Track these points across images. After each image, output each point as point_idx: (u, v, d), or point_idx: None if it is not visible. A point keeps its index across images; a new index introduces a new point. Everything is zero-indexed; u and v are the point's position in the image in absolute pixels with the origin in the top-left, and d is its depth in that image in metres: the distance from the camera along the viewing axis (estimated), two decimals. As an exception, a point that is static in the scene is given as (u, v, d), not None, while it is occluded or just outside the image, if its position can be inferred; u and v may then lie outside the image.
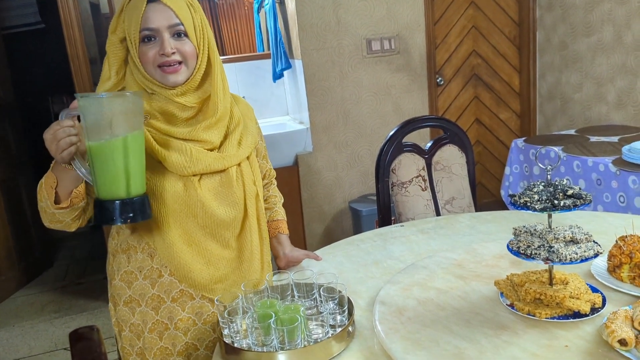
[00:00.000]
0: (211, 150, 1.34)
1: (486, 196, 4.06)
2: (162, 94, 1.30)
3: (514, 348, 1.10)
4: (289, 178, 3.51)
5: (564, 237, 1.17)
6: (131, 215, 1.18)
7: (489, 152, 4.08)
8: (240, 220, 1.41)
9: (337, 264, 1.69)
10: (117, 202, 1.16)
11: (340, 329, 1.24)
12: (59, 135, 1.13)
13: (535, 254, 1.17)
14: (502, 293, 1.28)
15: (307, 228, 3.59)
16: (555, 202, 1.13)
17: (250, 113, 1.53)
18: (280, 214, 1.68)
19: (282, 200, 1.70)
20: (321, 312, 1.28)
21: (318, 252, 1.80)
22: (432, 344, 1.14)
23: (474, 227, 1.89)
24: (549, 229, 1.19)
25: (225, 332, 1.26)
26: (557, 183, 1.18)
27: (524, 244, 1.20)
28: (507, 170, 3.22)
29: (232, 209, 1.38)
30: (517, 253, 1.21)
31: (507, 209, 3.38)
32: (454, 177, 2.17)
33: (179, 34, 1.28)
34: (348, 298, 1.31)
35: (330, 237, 3.63)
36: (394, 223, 2.07)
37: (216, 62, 1.34)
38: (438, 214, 2.16)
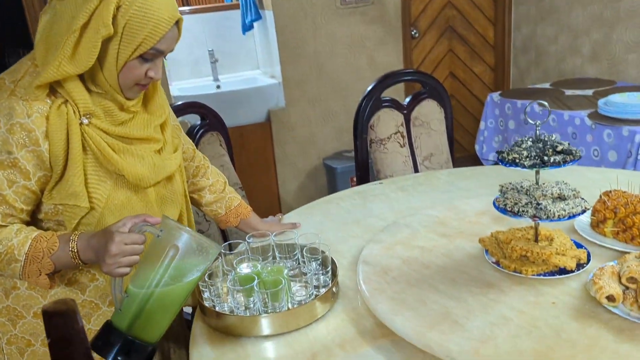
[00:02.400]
0: (159, 151, 1.22)
1: (459, 151, 4.06)
2: (117, 100, 1.12)
3: (501, 306, 1.09)
4: (262, 134, 3.43)
5: (552, 194, 1.14)
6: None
7: (462, 107, 4.06)
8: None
9: (316, 224, 1.65)
10: (149, 347, 1.02)
11: (324, 290, 1.21)
12: (126, 250, 1.00)
13: (523, 211, 1.15)
14: (487, 251, 1.27)
15: (281, 186, 3.54)
16: (545, 158, 1.10)
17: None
18: (235, 198, 1.55)
19: (226, 180, 1.56)
20: (304, 273, 1.25)
21: (296, 212, 1.76)
22: (419, 304, 1.12)
23: (453, 183, 1.87)
24: (536, 186, 1.17)
25: (205, 295, 1.22)
26: (546, 139, 1.15)
27: (511, 201, 1.18)
28: (481, 125, 3.20)
29: (174, 211, 1.30)
30: (504, 210, 1.19)
31: (482, 164, 3.39)
32: (432, 133, 2.14)
33: None
34: (331, 258, 1.28)
35: (305, 194, 3.60)
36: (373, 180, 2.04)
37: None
38: (416, 170, 2.13)
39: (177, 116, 1.85)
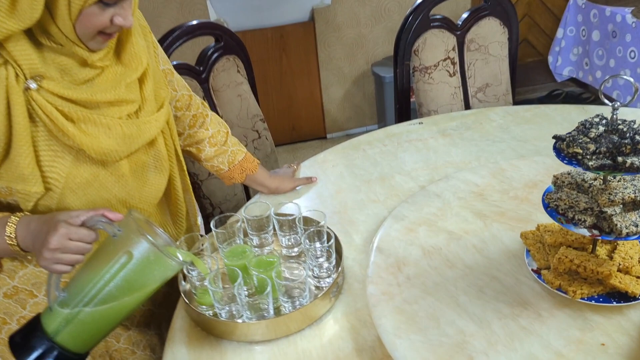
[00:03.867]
0: (135, 113, 1.00)
1: (531, 55, 3.57)
2: (77, 54, 0.90)
3: (533, 340, 0.87)
4: (304, 36, 3.09)
5: (623, 199, 0.86)
6: None
7: (541, 2, 3.49)
8: (164, 189, 1.14)
9: (335, 179, 1.42)
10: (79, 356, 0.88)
11: (324, 283, 1.03)
12: (69, 247, 0.84)
13: (579, 220, 0.88)
14: (528, 251, 1.02)
15: (325, 93, 3.26)
16: (620, 158, 0.81)
17: (146, 31, 1.08)
18: (239, 152, 1.33)
19: (228, 130, 1.33)
20: (303, 261, 1.06)
21: (314, 160, 1.53)
22: (431, 323, 0.92)
23: (507, 128, 1.56)
24: (602, 187, 0.88)
25: (184, 286, 1.07)
26: (624, 127, 0.84)
27: (565, 202, 0.90)
28: (559, 32, 2.73)
29: (159, 179, 1.10)
30: (553, 213, 0.92)
31: (553, 77, 2.95)
32: (490, 60, 1.78)
33: None
34: (336, 247, 1.08)
35: (350, 102, 3.31)
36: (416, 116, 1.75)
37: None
38: (467, 105, 1.81)
39: (186, 40, 1.60)
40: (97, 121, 0.93)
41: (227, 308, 0.99)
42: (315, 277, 1.07)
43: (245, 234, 1.17)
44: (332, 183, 1.41)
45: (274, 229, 1.16)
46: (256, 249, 1.17)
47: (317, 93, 3.25)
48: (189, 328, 1.02)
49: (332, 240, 1.04)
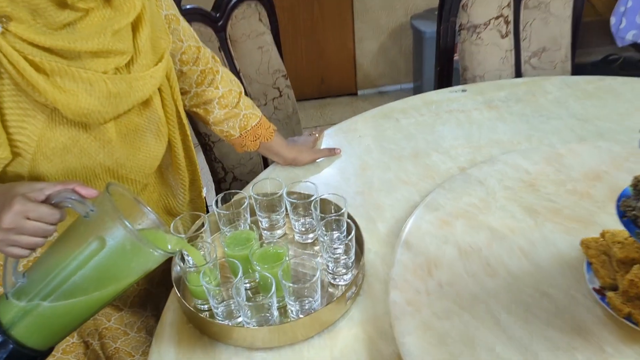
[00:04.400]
0: (126, 67, 0.83)
1: (590, 14, 3.24)
2: None
3: (591, 382, 0.71)
4: (340, -18, 2.84)
5: None
6: None
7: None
8: (161, 156, 0.98)
9: (362, 153, 1.24)
10: (33, 356, 0.73)
11: (342, 280, 0.88)
12: (25, 227, 0.68)
13: (666, 238, 0.69)
14: (589, 264, 0.84)
15: (359, 45, 3.02)
16: None
17: None
18: (253, 116, 1.15)
19: (242, 90, 1.15)
20: (317, 253, 0.90)
21: (339, 128, 1.35)
22: (465, 349, 0.76)
23: (564, 103, 1.35)
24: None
25: (177, 270, 0.92)
26: None
27: (647, 214, 0.71)
28: (626, -10, 2.42)
29: (156, 146, 0.94)
30: (631, 225, 0.73)
31: (610, 40, 2.65)
32: (551, 20, 1.54)
33: None
34: (357, 239, 0.92)
35: (385, 57, 3.07)
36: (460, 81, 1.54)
37: None
38: (518, 72, 1.58)
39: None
40: (77, 75, 0.77)
41: (225, 306, 0.85)
42: (330, 272, 0.91)
43: (253, 213, 1.02)
44: (358, 157, 1.23)
45: (287, 211, 1.00)
46: (265, 231, 1.02)
47: (350, 45, 3.02)
48: (180, 324, 0.89)
49: (353, 233, 0.88)
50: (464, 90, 1.43)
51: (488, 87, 1.44)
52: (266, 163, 1.54)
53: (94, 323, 1.04)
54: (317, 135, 1.29)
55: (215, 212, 0.97)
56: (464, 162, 1.17)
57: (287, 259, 0.85)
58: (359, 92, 3.17)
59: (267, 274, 0.81)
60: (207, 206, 1.20)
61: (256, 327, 0.81)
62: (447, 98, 1.41)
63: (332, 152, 1.24)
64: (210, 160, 1.47)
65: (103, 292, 0.72)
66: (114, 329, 1.06)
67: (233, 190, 1.01)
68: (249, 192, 1.00)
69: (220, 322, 0.84)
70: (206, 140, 1.44)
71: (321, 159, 1.23)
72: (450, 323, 0.80)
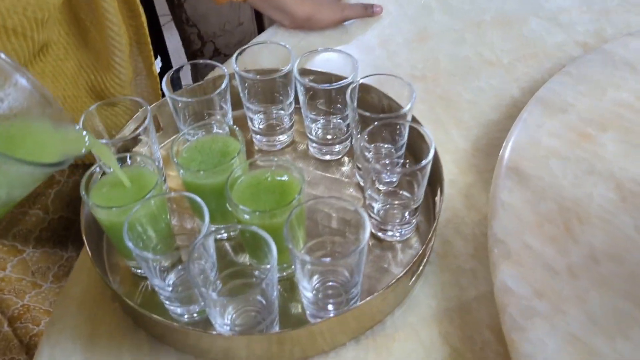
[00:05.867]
0: None
1: None
2: None
3: None
4: None
5: None
6: None
7: None
8: None
9: (417, 14, 0.78)
10: None
11: (396, 240, 0.47)
12: None
13: None
14: None
15: None
16: None
17: None
18: None
19: None
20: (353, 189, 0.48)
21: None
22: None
23: None
24: None
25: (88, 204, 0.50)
26: None
27: None
28: None
29: None
30: None
31: None
32: None
33: None
34: (433, 167, 0.49)
35: None
36: None
37: None
38: None
39: None
40: None
41: (178, 283, 0.44)
42: (373, 217, 0.50)
43: (238, 105, 0.58)
44: (411, 21, 0.77)
45: (297, 101, 0.56)
46: (258, 137, 0.59)
47: None
48: (100, 301, 0.48)
49: (431, 157, 0.45)
50: None
51: None
52: (262, 29, 1.07)
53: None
54: (344, -17, 0.82)
55: (169, 99, 0.53)
56: (585, 33, 0.72)
57: (301, 195, 0.42)
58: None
59: (258, 230, 0.39)
60: (162, 91, 0.75)
61: (236, 336, 0.41)
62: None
63: (368, 11, 0.77)
64: (181, 22, 1.00)
65: None
66: (15, 280, 0.67)
67: (202, 61, 0.56)
68: (231, 66, 0.56)
69: (172, 310, 0.43)
70: (174, -9, 0.96)
71: (351, 21, 0.77)
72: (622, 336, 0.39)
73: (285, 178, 0.45)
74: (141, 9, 0.62)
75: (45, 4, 0.49)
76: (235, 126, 0.48)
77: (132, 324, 0.46)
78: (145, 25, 0.64)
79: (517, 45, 0.72)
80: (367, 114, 0.48)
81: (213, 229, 0.42)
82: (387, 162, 0.52)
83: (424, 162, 0.44)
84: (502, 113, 0.63)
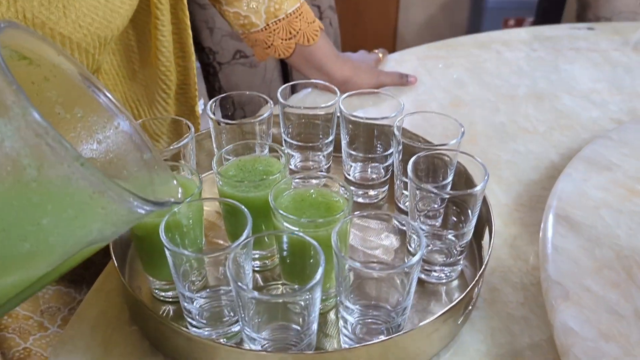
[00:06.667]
0: None
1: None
2: None
3: None
4: None
5: None
6: None
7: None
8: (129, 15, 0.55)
9: (450, 85, 0.80)
10: None
11: (443, 281, 0.43)
12: None
13: None
14: None
15: (402, 15, 2.58)
16: None
17: None
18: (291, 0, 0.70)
19: None
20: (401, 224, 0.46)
21: (415, 51, 0.91)
22: None
23: None
24: None
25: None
26: None
27: None
28: None
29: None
30: None
31: None
32: None
33: None
34: (483, 210, 0.47)
35: (432, 31, 2.63)
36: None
37: None
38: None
39: None
40: None
41: (208, 298, 0.40)
42: (427, 268, 0.47)
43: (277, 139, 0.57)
44: (445, 91, 0.79)
45: (339, 139, 0.56)
46: (296, 180, 0.57)
47: (393, 14, 2.58)
48: (116, 324, 0.44)
49: (479, 202, 0.43)
50: (590, 29, 0.99)
51: (624, 27, 1.00)
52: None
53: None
54: (379, 55, 0.85)
55: (210, 120, 0.52)
56: (619, 112, 0.73)
57: (347, 210, 0.40)
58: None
59: (304, 236, 0.36)
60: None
61: (271, 353, 0.36)
62: (568, 35, 0.97)
63: (403, 80, 0.79)
64: (213, 89, 1.03)
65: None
66: (22, 318, 0.63)
67: (250, 92, 0.57)
68: (277, 101, 0.56)
69: (198, 332, 0.39)
70: (209, 59, 1.00)
71: (386, 87, 0.79)
72: None
73: (330, 194, 0.43)
74: (192, 50, 0.64)
75: (110, 23, 0.51)
76: (278, 147, 0.47)
77: (149, 347, 0.42)
78: (194, 66, 0.65)
79: (552, 117, 0.72)
80: (416, 144, 0.47)
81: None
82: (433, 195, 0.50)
83: (478, 188, 0.42)
84: (542, 174, 0.62)
